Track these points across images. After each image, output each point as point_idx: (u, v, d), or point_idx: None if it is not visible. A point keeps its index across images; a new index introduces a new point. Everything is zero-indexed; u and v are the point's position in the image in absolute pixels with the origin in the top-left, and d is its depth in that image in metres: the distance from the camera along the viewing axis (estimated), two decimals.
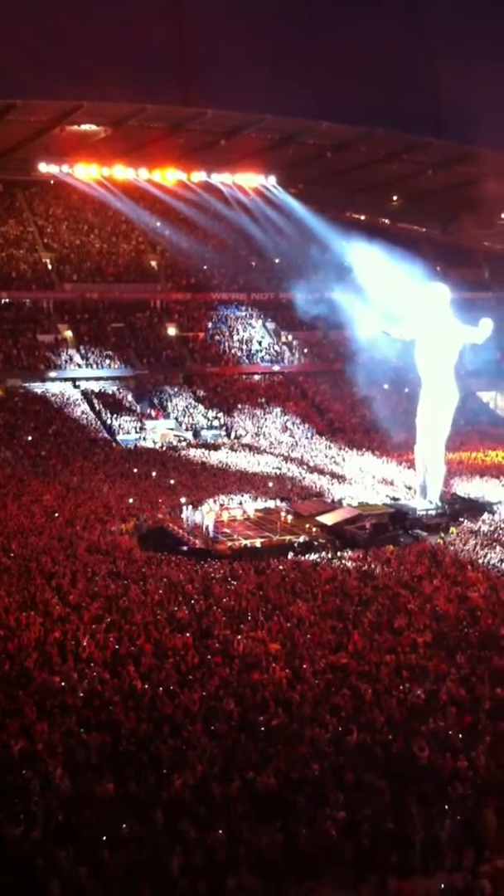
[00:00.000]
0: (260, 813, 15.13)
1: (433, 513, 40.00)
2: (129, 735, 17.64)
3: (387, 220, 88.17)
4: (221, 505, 40.96)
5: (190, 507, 39.21)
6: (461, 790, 15.83)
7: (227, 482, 46.38)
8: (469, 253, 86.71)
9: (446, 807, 15.38)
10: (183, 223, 76.28)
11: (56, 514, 38.68)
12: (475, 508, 40.83)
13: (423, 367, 41.60)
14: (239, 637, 23.59)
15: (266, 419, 63.62)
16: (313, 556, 34.15)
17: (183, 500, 40.61)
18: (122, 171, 70.95)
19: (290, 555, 34.14)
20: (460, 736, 17.82)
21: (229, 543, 35.98)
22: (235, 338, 73.14)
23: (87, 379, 64.41)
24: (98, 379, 64.89)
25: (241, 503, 41.68)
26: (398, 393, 62.39)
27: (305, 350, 73.91)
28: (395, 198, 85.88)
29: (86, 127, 65.67)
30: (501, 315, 52.15)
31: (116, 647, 22.60)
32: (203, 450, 56.28)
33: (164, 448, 57.11)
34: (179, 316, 73.66)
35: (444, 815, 15.19)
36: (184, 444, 58.60)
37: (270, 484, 45.80)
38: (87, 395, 62.73)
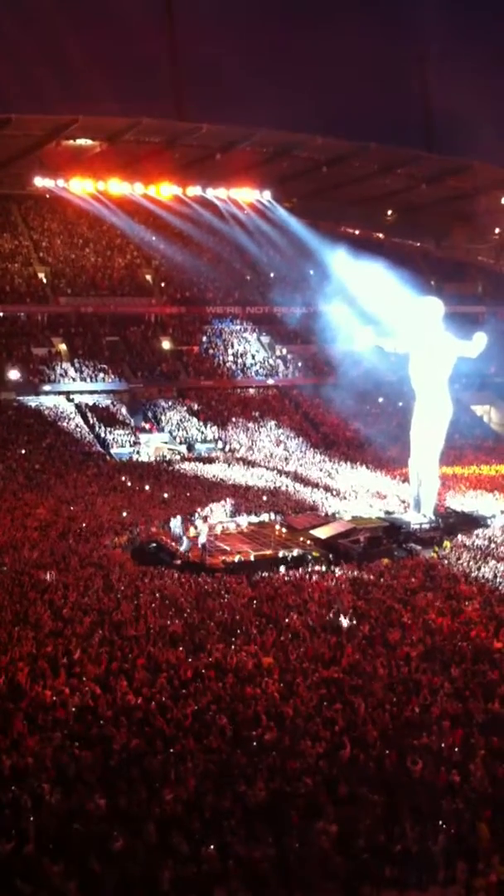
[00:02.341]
0: (252, 827, 15.06)
1: (427, 526, 40.02)
2: (121, 750, 17.55)
3: (381, 235, 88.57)
4: (205, 518, 40.76)
5: (177, 519, 39.19)
6: (455, 804, 15.78)
7: (221, 496, 46.28)
8: (463, 267, 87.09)
9: (440, 821, 15.32)
10: (177, 237, 76.46)
11: (49, 528, 38.57)
12: (469, 522, 40.87)
13: (416, 381, 41.67)
14: (232, 651, 23.53)
15: (260, 433, 63.61)
16: (307, 570, 34.08)
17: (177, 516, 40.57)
18: (117, 186, 71.15)
19: (284, 568, 34.09)
20: (454, 750, 17.77)
21: (223, 557, 35.90)
22: (230, 351, 73.21)
23: (82, 392, 64.37)
24: (92, 392, 64.87)
25: (221, 519, 41.49)
26: (392, 406, 62.46)
27: (300, 364, 74.01)
28: (389, 212, 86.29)
29: (81, 141, 65.94)
30: (495, 329, 52.39)
31: (109, 661, 22.50)
32: (197, 463, 56.22)
33: (158, 461, 57.04)
34: (174, 330, 73.75)
35: (437, 829, 15.14)
36: (178, 457, 58.52)
37: (265, 498, 45.74)
38: (80, 408, 62.67)
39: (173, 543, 37.50)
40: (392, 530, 39.51)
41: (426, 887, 14.35)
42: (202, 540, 36.76)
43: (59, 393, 63.44)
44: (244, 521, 41.32)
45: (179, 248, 75.98)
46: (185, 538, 37.58)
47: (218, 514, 41.66)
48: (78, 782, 16.31)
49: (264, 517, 42.15)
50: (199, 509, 42.25)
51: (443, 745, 17.95)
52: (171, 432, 62.56)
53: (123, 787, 16.17)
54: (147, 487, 48.65)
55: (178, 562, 35.44)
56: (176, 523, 38.80)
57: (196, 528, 38.59)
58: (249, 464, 56.26)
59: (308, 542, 38.53)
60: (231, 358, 72.48)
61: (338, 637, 24.72)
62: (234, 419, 64.87)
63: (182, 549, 36.64)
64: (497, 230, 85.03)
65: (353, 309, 60.04)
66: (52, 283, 71.46)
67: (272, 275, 78.58)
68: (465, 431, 61.62)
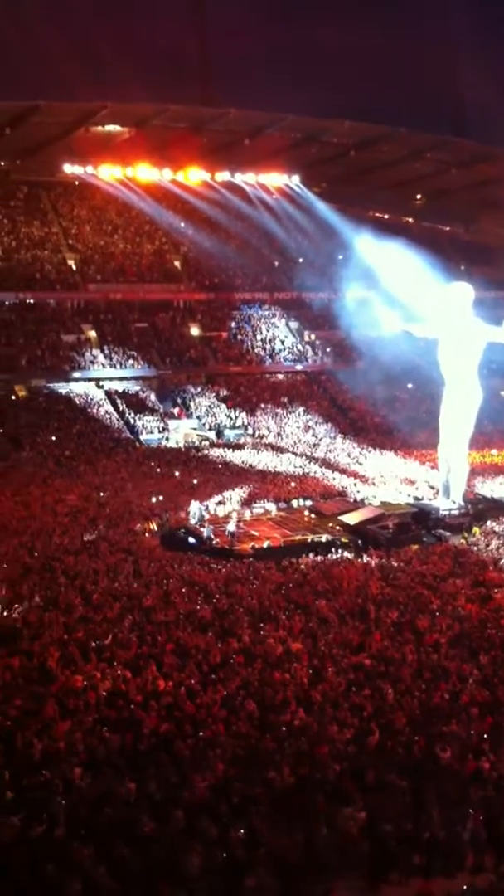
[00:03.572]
0: (280, 813, 15.12)
1: (456, 513, 39.84)
2: (150, 734, 17.67)
3: (410, 219, 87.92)
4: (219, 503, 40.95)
5: (195, 505, 39.34)
6: (483, 791, 15.76)
7: (248, 482, 46.38)
8: (493, 251, 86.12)
9: (468, 808, 15.31)
10: (206, 223, 76.39)
11: (79, 514, 38.82)
12: (499, 508, 40.64)
13: (445, 367, 41.41)
14: (261, 636, 23.61)
15: (289, 418, 63.59)
16: (336, 556, 34.09)
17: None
18: (145, 172, 71.05)
19: (313, 554, 34.12)
20: (483, 737, 17.73)
21: (252, 543, 35.97)
22: (258, 337, 73.14)
23: (111, 379, 64.60)
24: (121, 379, 65.10)
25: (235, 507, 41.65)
26: (421, 392, 62.15)
27: (328, 349, 73.83)
28: (418, 196, 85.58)
29: (109, 128, 65.90)
30: None
31: (139, 646, 22.65)
32: (226, 449, 56.30)
33: (187, 447, 57.17)
34: (202, 316, 73.77)
35: (465, 816, 15.12)
36: (206, 443, 58.65)
37: (293, 484, 45.71)
38: (110, 395, 62.94)
39: (200, 529, 37.63)
40: (421, 516, 39.39)
41: (454, 875, 14.33)
42: (230, 528, 36.86)
43: (89, 380, 63.71)
44: (259, 508, 41.22)
45: (208, 234, 75.91)
46: (206, 524, 37.67)
47: (233, 502, 41.76)
48: (108, 766, 16.45)
49: (270, 506, 41.89)
50: (216, 496, 42.45)
51: (471, 732, 17.92)
52: (199, 418, 62.67)
53: (153, 771, 16.28)
54: (176, 473, 48.80)
55: (207, 548, 35.55)
56: (195, 509, 38.88)
57: (207, 513, 38.87)
58: (278, 450, 56.26)
59: (337, 527, 38.51)
60: (259, 344, 72.43)
61: (366, 623, 24.73)
62: (262, 405, 64.87)
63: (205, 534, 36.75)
64: None
65: (381, 294, 59.73)
66: (82, 269, 71.69)
67: (300, 260, 78.30)
68: (494, 417, 61.09)
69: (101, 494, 43.13)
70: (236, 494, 43.17)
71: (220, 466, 51.12)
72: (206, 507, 40.34)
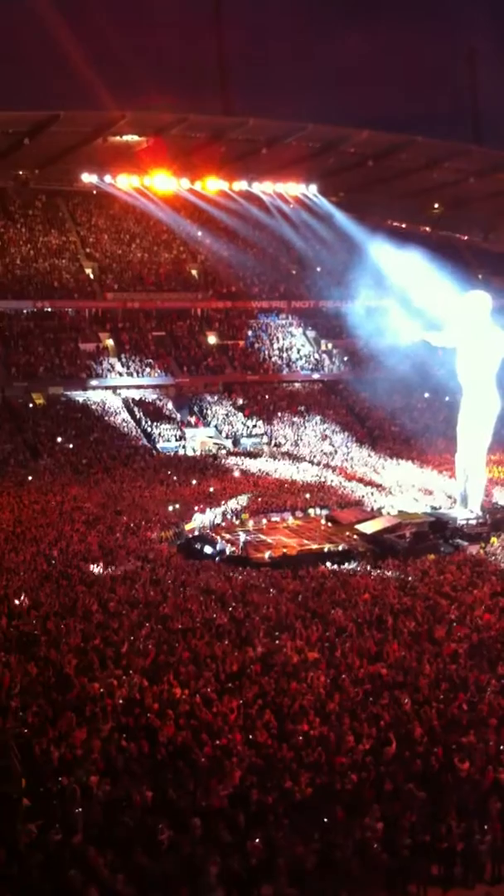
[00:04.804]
0: (297, 822, 15.08)
1: (474, 522, 39.69)
2: (168, 742, 17.67)
3: (428, 228, 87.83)
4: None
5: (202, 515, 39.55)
6: (501, 802, 15.67)
7: (265, 490, 46.41)
8: None
9: (486, 819, 15.23)
10: (223, 232, 76.66)
11: (97, 522, 38.93)
12: None
13: (464, 376, 41.32)
14: (277, 645, 23.58)
15: (305, 427, 63.58)
16: (353, 565, 34.03)
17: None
18: (163, 181, 71.26)
19: (329, 563, 34.07)
20: (501, 748, 17.63)
21: (268, 552, 35.96)
22: (275, 346, 73.22)
23: (128, 387, 64.80)
24: (139, 387, 65.28)
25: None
26: (438, 401, 62.03)
27: (345, 358, 73.82)
28: (436, 205, 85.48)
29: (128, 137, 66.17)
30: None
31: (156, 654, 22.66)
32: (243, 458, 56.33)
33: (204, 456, 57.24)
34: (219, 324, 73.95)
35: (484, 826, 15.05)
36: (223, 452, 58.70)
37: (307, 496, 45.61)
38: (127, 403, 63.11)
39: (216, 537, 37.72)
40: (438, 525, 39.26)
41: (472, 885, 14.28)
42: (243, 537, 36.92)
43: (106, 388, 63.94)
44: (275, 517, 41.31)
45: (225, 243, 76.13)
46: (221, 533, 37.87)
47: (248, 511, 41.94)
48: (125, 774, 16.46)
49: (287, 515, 41.90)
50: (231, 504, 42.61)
51: (490, 742, 17.82)
52: (216, 427, 62.74)
53: (170, 779, 16.28)
54: (193, 482, 48.86)
55: (224, 556, 35.58)
56: (199, 519, 39.11)
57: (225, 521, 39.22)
58: (295, 458, 56.25)
59: (354, 536, 38.45)
60: (276, 352, 72.51)
61: (383, 633, 24.66)
62: (279, 414, 64.91)
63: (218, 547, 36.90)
64: None
65: (399, 303, 59.72)
66: (100, 278, 72.00)
67: (318, 269, 78.35)
68: None
69: (119, 503, 43.17)
70: (252, 503, 43.19)
71: (236, 475, 51.12)
72: (223, 516, 40.41)
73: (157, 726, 18.26)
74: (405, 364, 62.89)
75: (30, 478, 49.23)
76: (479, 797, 15.89)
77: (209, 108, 74.07)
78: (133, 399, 63.78)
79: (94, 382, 63.75)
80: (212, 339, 72.57)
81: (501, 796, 15.88)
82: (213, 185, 72.17)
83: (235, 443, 60.88)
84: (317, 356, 73.73)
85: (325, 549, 36.12)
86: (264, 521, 40.92)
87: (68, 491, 45.89)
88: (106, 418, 60.65)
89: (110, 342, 68.36)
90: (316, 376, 71.88)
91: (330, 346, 75.09)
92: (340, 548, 36.53)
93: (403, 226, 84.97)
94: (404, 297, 59.42)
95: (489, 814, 15.34)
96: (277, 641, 23.89)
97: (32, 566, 31.52)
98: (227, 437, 61.51)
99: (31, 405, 60.57)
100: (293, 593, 28.92)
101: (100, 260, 73.87)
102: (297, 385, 70.93)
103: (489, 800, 15.73)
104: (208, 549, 36.70)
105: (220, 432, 62.18)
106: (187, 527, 39.27)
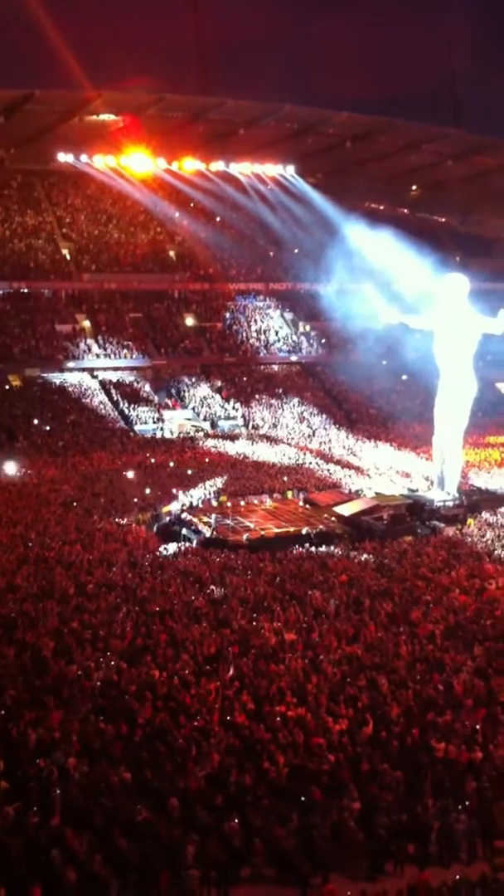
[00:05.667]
0: (275, 803, 15.16)
1: (451, 504, 39.89)
2: (146, 724, 17.70)
3: (406, 210, 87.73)
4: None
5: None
6: (477, 782, 15.82)
7: (243, 472, 46.41)
8: (488, 243, 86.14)
9: (462, 799, 15.37)
10: (201, 213, 76.22)
11: (74, 504, 38.82)
12: (493, 500, 40.70)
13: (441, 358, 41.40)
14: (255, 626, 23.64)
15: (283, 409, 63.55)
16: (330, 547, 34.12)
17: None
18: (140, 162, 70.63)
19: (307, 545, 34.14)
20: (476, 728, 17.79)
21: (246, 534, 35.98)
22: (253, 328, 73.05)
23: (105, 369, 64.44)
24: (116, 369, 64.94)
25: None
26: (416, 384, 62.14)
27: (323, 340, 73.76)
28: (414, 188, 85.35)
29: (104, 117, 65.54)
30: None
31: (133, 636, 22.66)
32: (220, 440, 56.26)
33: (182, 438, 57.11)
34: (197, 306, 73.65)
35: (460, 806, 15.19)
36: (201, 434, 58.60)
37: (285, 478, 45.62)
38: (104, 385, 62.77)
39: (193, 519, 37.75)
40: (415, 508, 39.42)
41: (448, 865, 14.41)
42: (214, 520, 37.05)
43: (83, 369, 63.53)
44: (253, 499, 41.39)
45: (203, 224, 75.72)
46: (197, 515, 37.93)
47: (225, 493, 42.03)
48: (103, 756, 16.48)
49: (265, 497, 42.05)
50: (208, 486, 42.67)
51: (466, 723, 17.97)
52: (194, 409, 62.60)
53: (148, 761, 16.32)
54: (171, 464, 48.76)
55: (202, 538, 35.58)
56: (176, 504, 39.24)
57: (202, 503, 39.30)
58: (272, 441, 56.26)
59: (331, 519, 38.54)
60: (254, 334, 72.35)
61: (360, 615, 24.77)
62: (257, 396, 64.83)
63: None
64: None
65: (377, 285, 59.73)
66: (76, 259, 71.44)
67: (296, 251, 78.06)
68: (489, 409, 61.17)
69: (96, 485, 43.05)
70: (230, 485, 43.20)
71: (214, 457, 51.04)
72: (200, 498, 40.40)
73: (135, 708, 18.28)
74: (383, 347, 62.98)
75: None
76: (455, 777, 16.05)
77: (186, 89, 73.49)
78: (110, 381, 63.44)
79: (70, 364, 63.34)
80: (189, 321, 72.28)
81: (477, 776, 16.06)
82: (190, 165, 71.55)
83: (213, 425, 60.75)
84: (294, 338, 73.64)
85: (303, 532, 36.16)
86: (242, 503, 40.90)
87: (45, 473, 45.65)
88: (83, 400, 60.30)
89: (87, 323, 67.91)
90: (294, 358, 71.78)
91: (308, 328, 75.00)
92: (318, 529, 36.58)
93: (381, 208, 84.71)
94: (382, 279, 59.42)
95: (465, 793, 15.50)
96: (255, 623, 23.95)
97: (9, 548, 31.38)
98: (205, 420, 61.39)
99: (6, 387, 60.11)
100: (271, 575, 28.98)
101: (76, 240, 73.27)
102: (274, 367, 70.79)
103: (465, 779, 15.90)
104: (185, 532, 36.66)
105: (198, 415, 62.03)
106: (164, 510, 39.24)
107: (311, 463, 49.61)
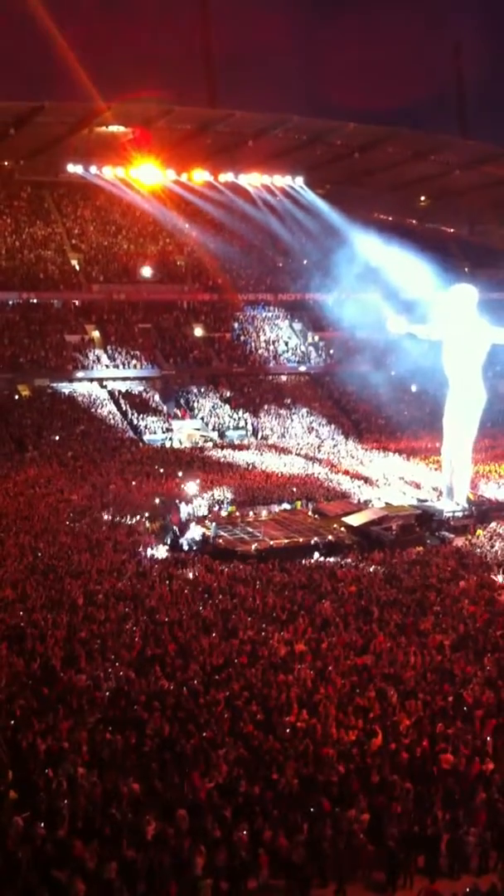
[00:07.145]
0: (284, 814, 15.11)
1: (460, 514, 39.80)
2: (154, 734, 17.67)
3: (414, 221, 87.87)
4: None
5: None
6: (487, 793, 15.74)
7: (252, 482, 46.35)
8: (497, 253, 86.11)
9: (472, 810, 15.30)
10: (210, 224, 76.39)
11: (83, 515, 38.81)
12: (502, 510, 40.58)
13: (450, 368, 41.38)
14: (264, 637, 23.59)
15: (292, 420, 63.55)
16: (339, 557, 34.05)
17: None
18: (149, 173, 70.91)
19: (316, 555, 34.09)
20: (486, 739, 17.72)
21: (255, 544, 35.96)
22: (262, 338, 73.10)
23: (114, 379, 64.53)
24: (125, 379, 65.03)
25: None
26: (425, 394, 62.08)
27: (332, 351, 73.73)
28: (422, 198, 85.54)
29: (113, 128, 65.87)
30: None
31: (142, 646, 22.65)
32: (229, 450, 56.23)
33: (190, 448, 57.10)
34: (206, 316, 73.75)
35: (470, 818, 15.12)
36: (210, 444, 58.60)
37: (294, 488, 45.52)
38: (113, 395, 62.89)
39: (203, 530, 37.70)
40: (424, 518, 39.35)
41: (458, 876, 14.34)
42: (214, 529, 37.08)
43: (93, 380, 63.66)
44: (262, 509, 41.39)
45: (212, 235, 75.89)
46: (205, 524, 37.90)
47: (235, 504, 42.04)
48: (112, 766, 16.46)
49: (273, 507, 42.02)
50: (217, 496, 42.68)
51: (476, 734, 17.90)
52: (202, 419, 62.62)
53: (157, 771, 16.29)
54: (179, 474, 48.73)
55: (210, 548, 35.56)
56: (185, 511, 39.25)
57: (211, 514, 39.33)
58: (281, 451, 56.20)
59: (340, 529, 38.49)
60: (263, 345, 72.39)
61: (370, 625, 24.70)
62: (265, 406, 64.84)
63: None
64: None
65: (385, 295, 59.82)
66: (85, 270, 71.69)
67: (304, 261, 78.22)
68: (498, 419, 61.11)
69: (105, 495, 43.00)
70: (238, 495, 43.13)
71: (223, 467, 50.98)
72: (210, 508, 40.37)
73: (144, 718, 18.27)
74: (391, 357, 62.98)
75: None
76: (464, 788, 15.97)
77: (195, 101, 73.70)
78: (119, 391, 63.55)
79: (80, 374, 63.49)
80: (198, 332, 72.38)
81: (487, 787, 15.97)
82: (199, 176, 71.90)
83: (222, 435, 60.75)
84: (303, 348, 73.67)
85: (312, 542, 36.11)
86: (251, 513, 40.88)
87: (55, 483, 45.67)
88: (92, 410, 60.41)
89: (96, 334, 68.08)
90: (302, 369, 71.79)
91: (316, 338, 75.02)
92: (327, 540, 36.52)
93: (390, 218, 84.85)
94: (391, 289, 59.53)
95: (475, 805, 15.42)
96: (264, 634, 23.90)
97: (19, 558, 31.41)
98: (213, 430, 61.39)
99: (16, 397, 60.27)
100: (280, 585, 28.93)
101: (85, 251, 73.54)
102: (283, 377, 70.81)
103: (475, 791, 15.82)
104: (194, 542, 36.63)
105: (207, 424, 62.04)
106: (174, 519, 39.20)
107: (319, 473, 49.53)
